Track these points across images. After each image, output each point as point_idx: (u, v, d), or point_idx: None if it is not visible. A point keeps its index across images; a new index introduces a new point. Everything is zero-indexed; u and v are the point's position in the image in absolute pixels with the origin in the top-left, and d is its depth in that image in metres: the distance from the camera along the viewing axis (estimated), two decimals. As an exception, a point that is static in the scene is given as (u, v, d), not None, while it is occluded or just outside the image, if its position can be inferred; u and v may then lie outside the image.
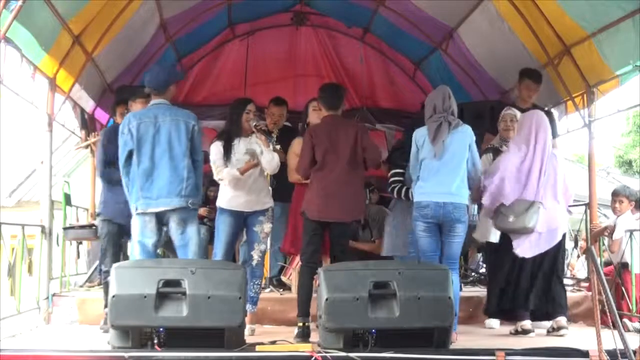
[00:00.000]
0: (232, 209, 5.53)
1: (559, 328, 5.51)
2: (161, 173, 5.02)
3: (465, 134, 5.36)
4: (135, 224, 5.11)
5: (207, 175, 6.48)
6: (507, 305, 5.63)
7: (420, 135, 5.40)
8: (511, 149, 5.58)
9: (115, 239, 5.66)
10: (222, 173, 5.49)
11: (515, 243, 5.42)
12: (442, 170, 5.27)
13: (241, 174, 5.49)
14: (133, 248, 5.17)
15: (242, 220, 5.59)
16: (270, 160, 5.57)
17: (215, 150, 5.57)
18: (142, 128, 5.05)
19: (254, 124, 5.66)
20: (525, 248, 5.40)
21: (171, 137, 5.05)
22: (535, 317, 5.64)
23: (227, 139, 5.57)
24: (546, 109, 6.63)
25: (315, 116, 5.75)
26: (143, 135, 5.04)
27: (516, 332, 5.58)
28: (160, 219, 5.09)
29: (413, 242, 5.91)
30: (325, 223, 5.29)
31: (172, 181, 5.02)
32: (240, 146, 5.58)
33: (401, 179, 6.32)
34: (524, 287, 5.56)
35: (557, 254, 5.61)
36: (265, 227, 5.58)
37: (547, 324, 5.66)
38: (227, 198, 5.54)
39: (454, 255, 5.35)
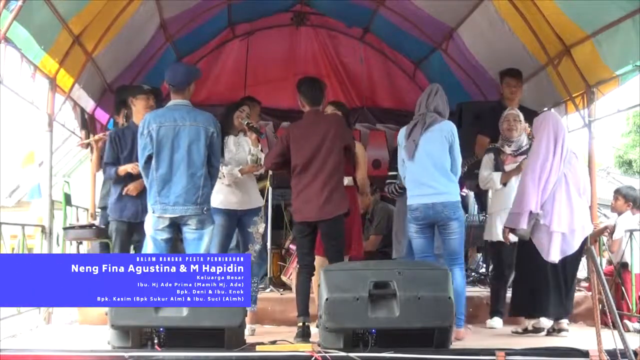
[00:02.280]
0: (227, 209, 5.53)
1: (560, 330, 5.49)
2: (179, 180, 4.98)
3: (442, 130, 5.27)
4: (149, 221, 5.09)
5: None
6: (531, 308, 5.49)
7: (401, 135, 5.42)
8: (531, 155, 5.49)
9: (124, 237, 5.68)
10: (221, 172, 5.47)
11: (541, 249, 5.31)
12: (421, 170, 5.24)
13: (241, 175, 5.51)
14: (147, 243, 5.16)
15: (236, 221, 5.59)
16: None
17: None
18: (162, 132, 4.98)
19: (246, 122, 5.68)
20: (554, 252, 5.28)
21: (190, 144, 4.99)
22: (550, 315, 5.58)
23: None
24: (545, 109, 6.64)
25: None
26: (162, 139, 4.98)
27: (526, 331, 5.52)
28: (176, 222, 5.05)
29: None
30: (312, 224, 5.21)
31: (188, 190, 4.98)
32: (229, 144, 5.61)
33: (394, 180, 6.30)
34: (547, 290, 5.40)
35: (579, 256, 5.48)
36: (259, 227, 5.59)
37: (548, 323, 5.65)
38: (221, 198, 5.53)
39: (454, 251, 5.30)
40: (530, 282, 5.50)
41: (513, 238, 5.60)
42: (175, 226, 5.08)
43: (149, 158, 5.03)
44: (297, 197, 5.23)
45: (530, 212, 5.31)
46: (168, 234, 5.07)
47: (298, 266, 5.48)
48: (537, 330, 5.49)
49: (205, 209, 5.04)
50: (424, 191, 5.22)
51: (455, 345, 4.70)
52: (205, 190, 5.05)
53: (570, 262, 5.42)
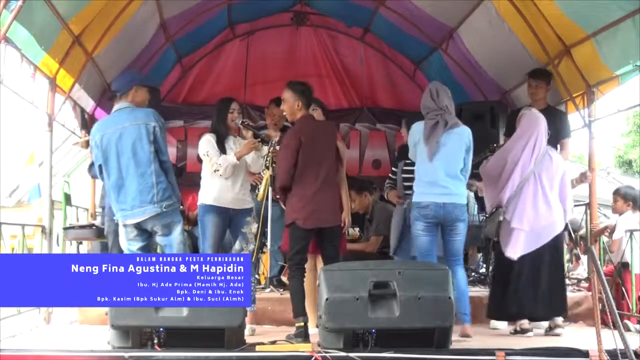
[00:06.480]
0: (220, 206, 5.54)
1: (555, 327, 5.50)
2: (130, 183, 4.97)
3: (462, 135, 5.36)
4: (122, 233, 5.15)
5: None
6: (513, 309, 5.54)
7: (416, 131, 5.41)
8: (500, 151, 5.58)
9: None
10: (216, 162, 5.47)
11: (502, 243, 5.44)
12: (438, 171, 5.28)
13: (237, 159, 5.49)
14: None
15: (228, 220, 5.58)
16: (255, 159, 5.71)
17: (207, 142, 5.58)
18: (105, 140, 5.00)
19: (240, 121, 5.70)
20: (511, 248, 5.38)
21: (134, 143, 4.96)
22: (534, 318, 5.63)
23: (218, 138, 5.60)
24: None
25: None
26: (107, 147, 4.99)
27: (515, 332, 5.57)
28: (145, 228, 5.04)
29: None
30: (317, 229, 5.21)
31: (141, 190, 4.95)
32: (230, 145, 5.62)
33: (394, 177, 6.33)
34: (525, 288, 5.51)
35: (554, 253, 5.58)
36: (252, 227, 5.59)
37: (545, 324, 5.65)
38: (215, 195, 5.55)
39: (456, 252, 5.40)
40: (504, 284, 5.55)
41: None
42: (147, 233, 5.06)
43: (102, 169, 5.06)
44: (308, 204, 5.14)
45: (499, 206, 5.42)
46: (141, 242, 5.07)
47: (290, 268, 5.33)
48: (523, 331, 5.50)
49: (164, 206, 4.97)
50: (437, 190, 5.27)
51: (455, 345, 4.70)
52: (160, 187, 4.98)
53: (546, 261, 5.48)
